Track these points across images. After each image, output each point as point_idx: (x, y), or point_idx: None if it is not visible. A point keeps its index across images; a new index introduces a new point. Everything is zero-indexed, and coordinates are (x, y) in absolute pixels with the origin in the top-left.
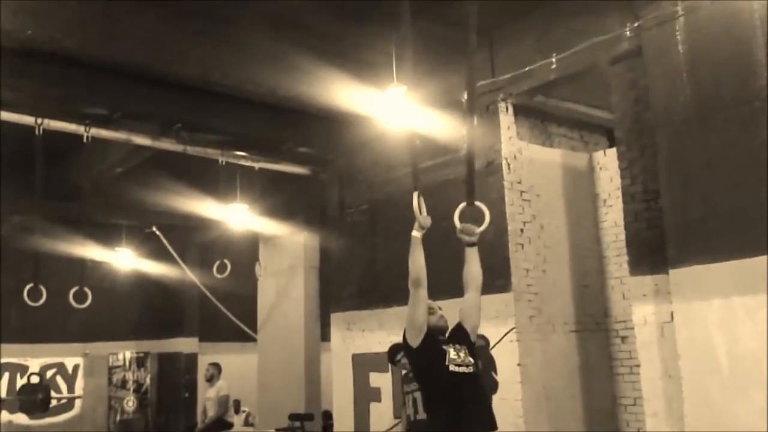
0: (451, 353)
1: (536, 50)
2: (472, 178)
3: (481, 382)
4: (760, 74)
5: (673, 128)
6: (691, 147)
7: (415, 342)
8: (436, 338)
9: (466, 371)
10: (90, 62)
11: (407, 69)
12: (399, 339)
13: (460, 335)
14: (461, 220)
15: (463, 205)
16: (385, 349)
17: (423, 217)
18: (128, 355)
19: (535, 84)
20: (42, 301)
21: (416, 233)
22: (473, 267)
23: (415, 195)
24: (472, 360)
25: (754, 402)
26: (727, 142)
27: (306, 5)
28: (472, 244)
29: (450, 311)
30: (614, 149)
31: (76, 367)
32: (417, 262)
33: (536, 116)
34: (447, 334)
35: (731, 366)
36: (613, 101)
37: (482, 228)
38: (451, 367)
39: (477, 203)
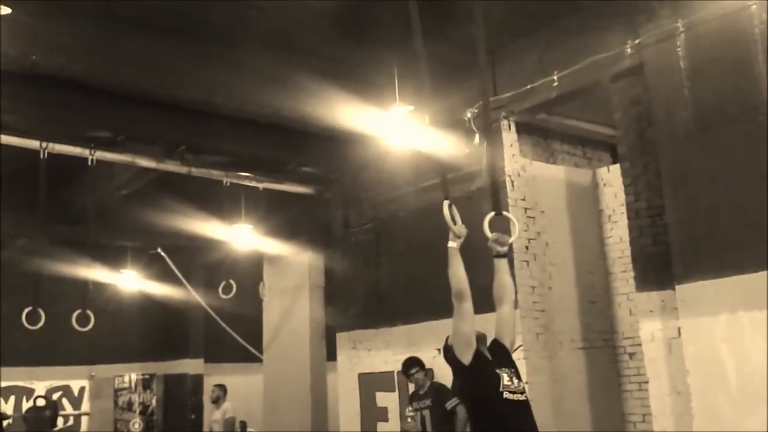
0: (505, 379)
1: (538, 68)
2: (497, 189)
3: (530, 411)
4: (762, 89)
5: (676, 144)
6: (694, 162)
7: (466, 358)
8: (486, 358)
9: (520, 399)
10: (94, 86)
11: (420, 89)
12: (404, 357)
13: (502, 354)
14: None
15: (492, 214)
16: (392, 368)
17: (458, 227)
18: (134, 377)
19: (537, 102)
20: (40, 324)
21: (452, 244)
22: (505, 279)
23: (446, 204)
24: (524, 387)
25: (763, 417)
26: (730, 156)
27: (309, 27)
28: (502, 255)
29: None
30: (618, 165)
31: (82, 390)
32: (457, 273)
33: (539, 133)
34: (488, 350)
35: (739, 381)
36: (615, 118)
37: (513, 238)
38: (506, 395)
39: (506, 213)
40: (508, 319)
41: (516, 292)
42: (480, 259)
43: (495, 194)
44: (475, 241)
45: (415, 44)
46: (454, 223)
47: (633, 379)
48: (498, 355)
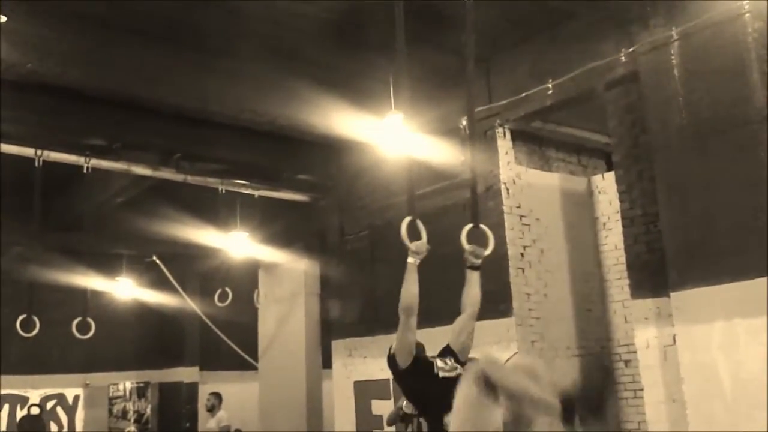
0: (439, 363)
1: (532, 76)
2: (476, 201)
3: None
4: (756, 97)
5: (670, 151)
6: (689, 170)
7: (405, 364)
8: (423, 359)
9: (455, 374)
10: (90, 94)
11: (404, 96)
12: None
13: (445, 353)
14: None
15: (470, 226)
16: (387, 376)
17: (419, 244)
18: (129, 385)
19: (531, 109)
20: (35, 332)
21: (411, 260)
22: (473, 290)
23: (405, 221)
24: (459, 366)
25: (757, 424)
26: (724, 164)
27: (305, 35)
28: (476, 267)
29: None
30: (613, 173)
31: (76, 398)
32: (411, 289)
33: (534, 141)
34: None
35: (735, 389)
36: (610, 125)
37: (488, 252)
38: (441, 374)
39: (481, 226)
40: (463, 326)
41: (480, 305)
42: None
43: (474, 206)
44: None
45: (397, 46)
46: (419, 239)
47: (629, 387)
48: (441, 354)
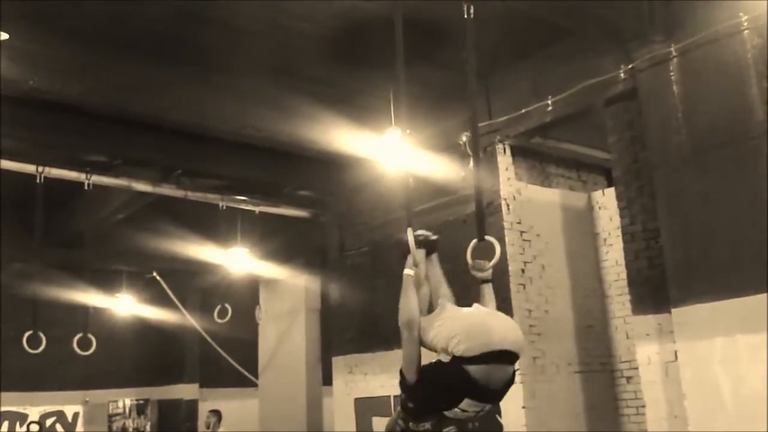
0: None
1: (532, 92)
2: (482, 214)
3: None
4: (755, 112)
5: (670, 167)
6: (688, 186)
7: (413, 379)
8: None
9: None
10: (91, 110)
11: (403, 113)
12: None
13: None
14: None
15: (474, 241)
16: (388, 392)
17: (419, 254)
18: (128, 402)
19: (532, 126)
20: (42, 348)
21: (409, 271)
22: (489, 305)
23: (410, 231)
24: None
25: None
26: (724, 179)
27: (305, 52)
28: (486, 281)
29: None
30: (613, 189)
31: (75, 415)
32: (410, 303)
33: (534, 157)
34: None
35: (736, 405)
36: (609, 141)
37: (493, 262)
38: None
39: (488, 237)
40: None
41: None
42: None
43: (480, 221)
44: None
45: (396, 63)
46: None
47: (630, 403)
48: None
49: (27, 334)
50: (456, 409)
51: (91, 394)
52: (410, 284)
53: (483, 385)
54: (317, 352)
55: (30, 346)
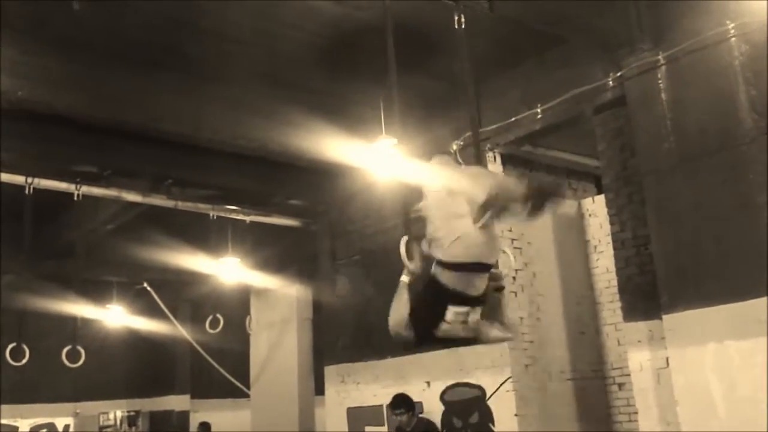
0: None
1: (521, 101)
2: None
3: None
4: (744, 119)
5: (659, 174)
6: (678, 192)
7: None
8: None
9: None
10: (80, 120)
11: (395, 121)
12: (395, 391)
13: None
14: None
15: None
16: (381, 401)
17: (414, 264)
18: (119, 413)
19: (521, 134)
20: (24, 360)
21: (404, 278)
22: (499, 315)
23: (403, 240)
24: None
25: None
26: (713, 186)
27: (296, 60)
28: (499, 289)
29: (449, 360)
30: (602, 196)
31: (66, 427)
32: (400, 310)
33: (524, 165)
34: None
35: (729, 411)
36: (599, 149)
37: (506, 272)
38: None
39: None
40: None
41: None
42: None
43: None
44: None
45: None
46: (411, 259)
47: (623, 410)
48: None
49: (10, 346)
50: (445, 325)
51: (82, 406)
52: (404, 289)
53: (460, 291)
54: (309, 361)
55: (13, 359)
